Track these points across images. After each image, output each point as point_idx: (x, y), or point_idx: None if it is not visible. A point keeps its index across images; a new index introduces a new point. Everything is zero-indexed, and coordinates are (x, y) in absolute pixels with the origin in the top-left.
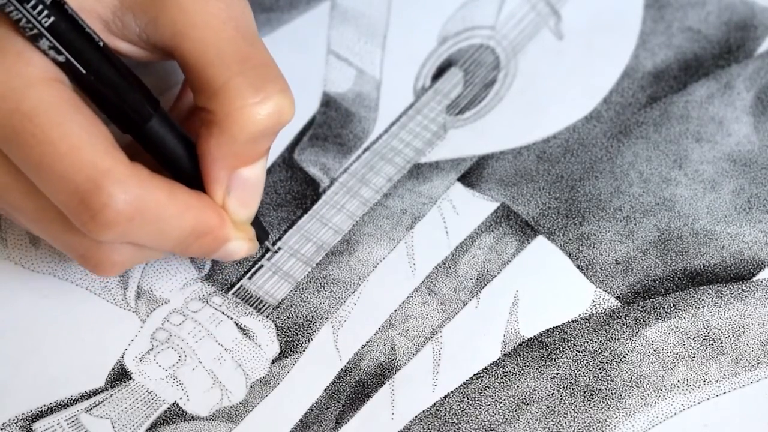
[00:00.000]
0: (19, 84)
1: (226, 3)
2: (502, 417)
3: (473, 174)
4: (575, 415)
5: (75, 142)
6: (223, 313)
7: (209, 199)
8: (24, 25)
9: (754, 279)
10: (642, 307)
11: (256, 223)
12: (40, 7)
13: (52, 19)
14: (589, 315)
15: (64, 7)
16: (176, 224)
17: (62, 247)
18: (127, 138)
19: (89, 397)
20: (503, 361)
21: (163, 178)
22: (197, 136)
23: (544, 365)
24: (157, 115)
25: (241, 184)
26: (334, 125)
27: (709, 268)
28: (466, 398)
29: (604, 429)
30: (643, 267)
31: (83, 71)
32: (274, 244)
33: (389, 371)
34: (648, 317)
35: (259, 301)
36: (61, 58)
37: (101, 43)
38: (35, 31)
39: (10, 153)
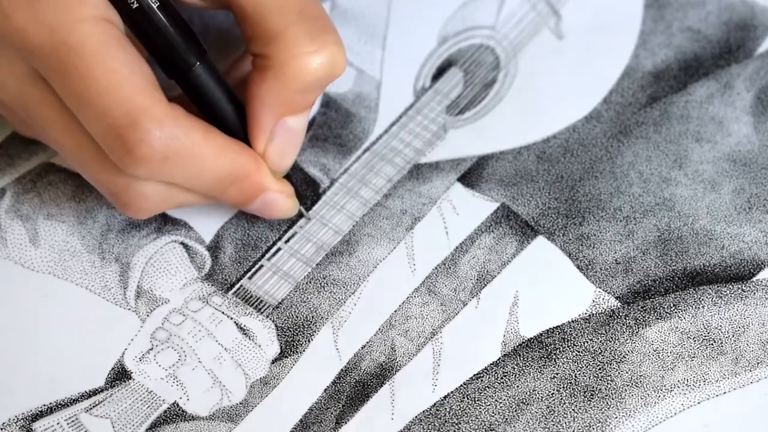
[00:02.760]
0: (70, 19)
1: None
2: (502, 417)
3: (473, 174)
4: (575, 415)
5: (116, 78)
6: (223, 312)
7: (246, 146)
8: None
9: (754, 279)
10: (642, 307)
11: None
12: None
13: None
14: (589, 315)
15: None
16: (211, 165)
17: (96, 183)
18: (178, 91)
19: (89, 396)
20: (503, 361)
21: (199, 120)
22: (245, 91)
23: (544, 365)
24: (203, 64)
25: (284, 133)
26: (334, 126)
27: (709, 268)
28: (466, 398)
29: (604, 429)
30: (643, 267)
31: (132, 7)
32: (274, 244)
33: (389, 371)
34: (648, 317)
35: (259, 301)
36: None
37: None
38: None
39: (54, 84)
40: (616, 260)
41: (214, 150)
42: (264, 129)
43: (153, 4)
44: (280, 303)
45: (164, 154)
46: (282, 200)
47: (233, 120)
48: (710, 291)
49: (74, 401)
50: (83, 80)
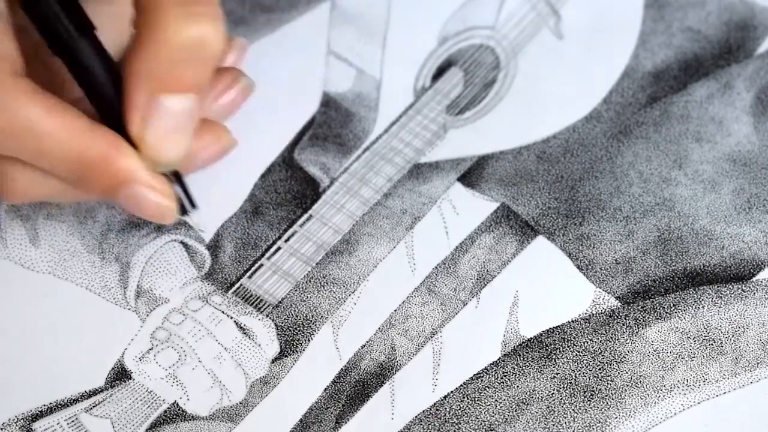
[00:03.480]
0: None
1: None
2: (502, 417)
3: (473, 174)
4: (575, 415)
5: None
6: (222, 312)
7: (111, 131)
8: None
9: (754, 279)
10: (642, 307)
11: (183, 190)
12: None
13: None
14: (589, 315)
15: None
16: (57, 143)
17: None
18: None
19: (89, 396)
20: (503, 361)
21: (52, 98)
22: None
23: (544, 365)
24: (86, 39)
25: (161, 114)
26: (334, 125)
27: (709, 268)
28: (466, 398)
29: (604, 429)
30: (643, 267)
31: None
32: (274, 243)
33: (389, 371)
34: (648, 317)
35: (258, 300)
36: None
37: None
38: None
39: None
40: (616, 260)
41: (59, 128)
42: (136, 107)
43: None
44: (280, 302)
45: None
46: (150, 197)
47: (113, 102)
48: (710, 291)
49: (74, 401)
50: None
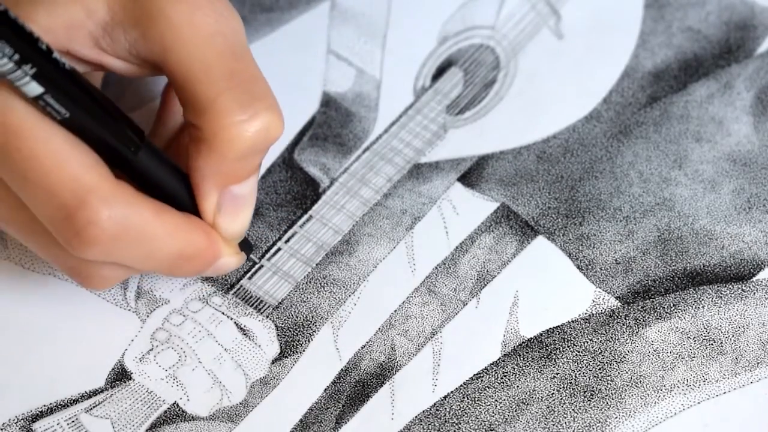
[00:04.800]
0: (3, 100)
1: (215, 17)
2: (502, 417)
3: (473, 174)
4: (575, 415)
5: (60, 158)
6: (223, 313)
7: (198, 220)
8: None
9: (754, 279)
10: (642, 307)
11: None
12: (8, 49)
13: (18, 57)
14: (589, 315)
15: (38, 44)
16: (163, 245)
17: (52, 260)
18: None
19: (89, 397)
20: (503, 361)
21: (149, 198)
22: (186, 150)
23: (544, 365)
24: (144, 148)
25: (232, 201)
26: (334, 125)
27: (709, 268)
28: (466, 398)
29: (604, 429)
30: (643, 267)
31: (65, 111)
32: (274, 244)
33: (389, 371)
34: (648, 317)
35: (259, 301)
36: (40, 94)
37: (80, 78)
38: (7, 67)
39: None
40: (616, 260)
41: (165, 229)
42: (209, 201)
43: (83, 99)
44: (280, 303)
45: (114, 234)
46: (232, 261)
47: (183, 196)
48: (710, 291)
49: (74, 401)
50: (26, 162)
